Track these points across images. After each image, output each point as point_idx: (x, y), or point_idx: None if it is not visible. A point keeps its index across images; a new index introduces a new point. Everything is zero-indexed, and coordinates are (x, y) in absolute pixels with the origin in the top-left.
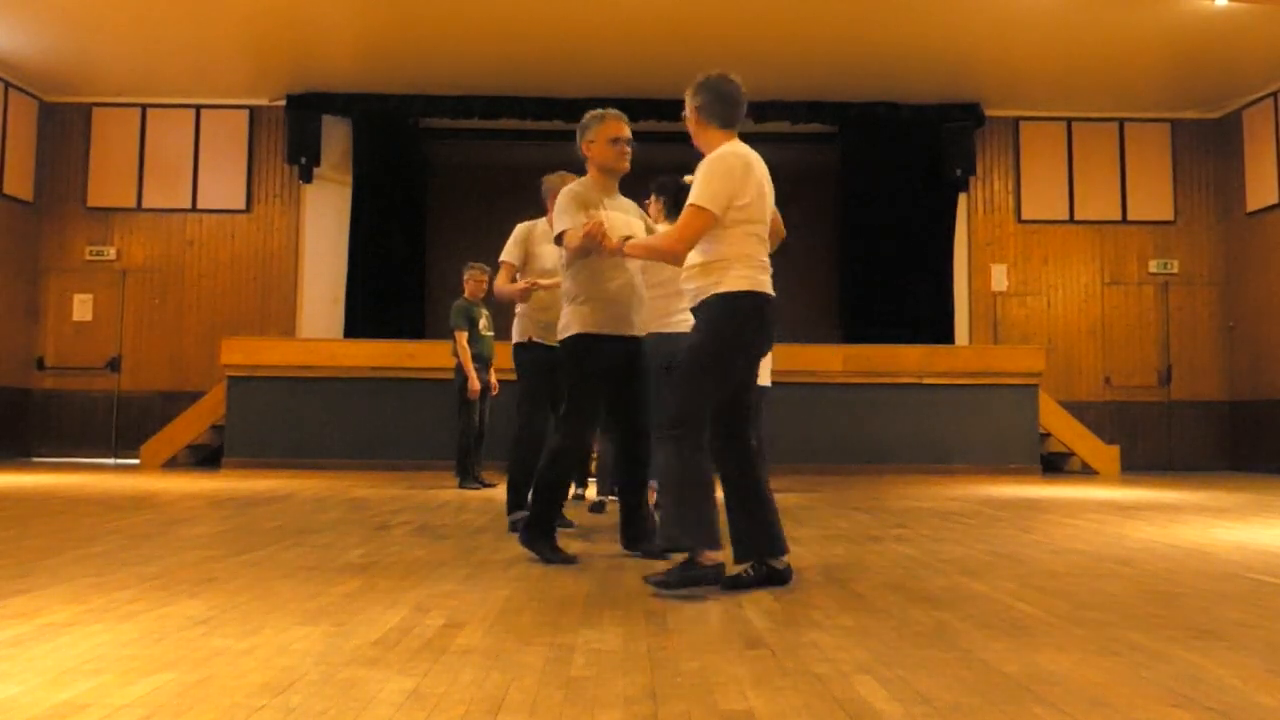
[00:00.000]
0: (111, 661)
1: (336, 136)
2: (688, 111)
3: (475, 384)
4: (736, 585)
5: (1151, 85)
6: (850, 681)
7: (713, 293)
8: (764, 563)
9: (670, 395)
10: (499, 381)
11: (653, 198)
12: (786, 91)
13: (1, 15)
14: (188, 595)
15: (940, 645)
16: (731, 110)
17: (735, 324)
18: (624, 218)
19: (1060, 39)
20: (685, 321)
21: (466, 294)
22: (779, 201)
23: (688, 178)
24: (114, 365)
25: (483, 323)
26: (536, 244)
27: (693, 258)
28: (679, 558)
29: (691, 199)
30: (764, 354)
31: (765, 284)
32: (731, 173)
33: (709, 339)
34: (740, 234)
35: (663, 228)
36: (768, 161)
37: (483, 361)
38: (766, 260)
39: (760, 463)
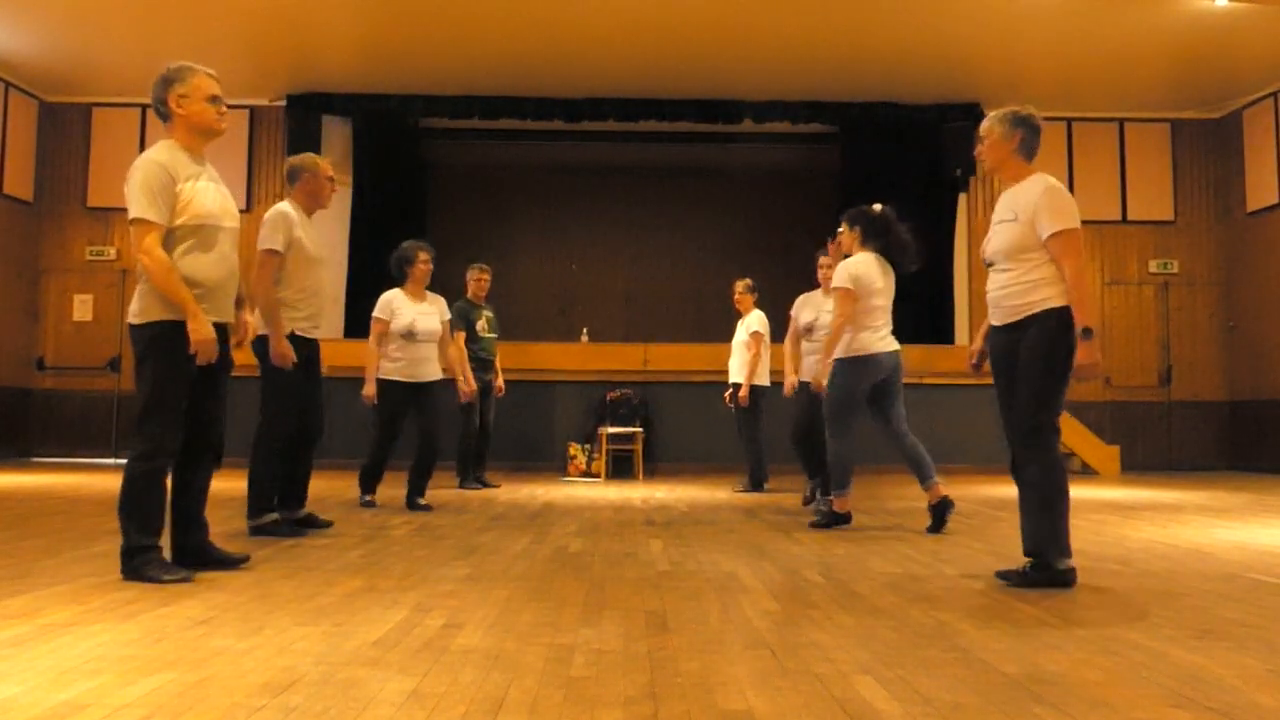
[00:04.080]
0: (111, 661)
1: (336, 136)
2: (997, 139)
3: (465, 387)
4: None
5: (1151, 85)
6: (850, 681)
7: (1048, 307)
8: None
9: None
10: (505, 382)
11: (845, 227)
12: (786, 91)
13: (1, 15)
14: (188, 595)
15: (940, 645)
16: (1038, 143)
17: (1070, 336)
18: (221, 189)
19: (1060, 39)
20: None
21: (469, 294)
22: (780, 200)
23: (877, 206)
24: (114, 365)
25: (481, 324)
26: (297, 228)
27: (1028, 273)
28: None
29: (1062, 226)
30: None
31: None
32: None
33: (1058, 348)
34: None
35: (860, 253)
36: (769, 161)
37: (481, 362)
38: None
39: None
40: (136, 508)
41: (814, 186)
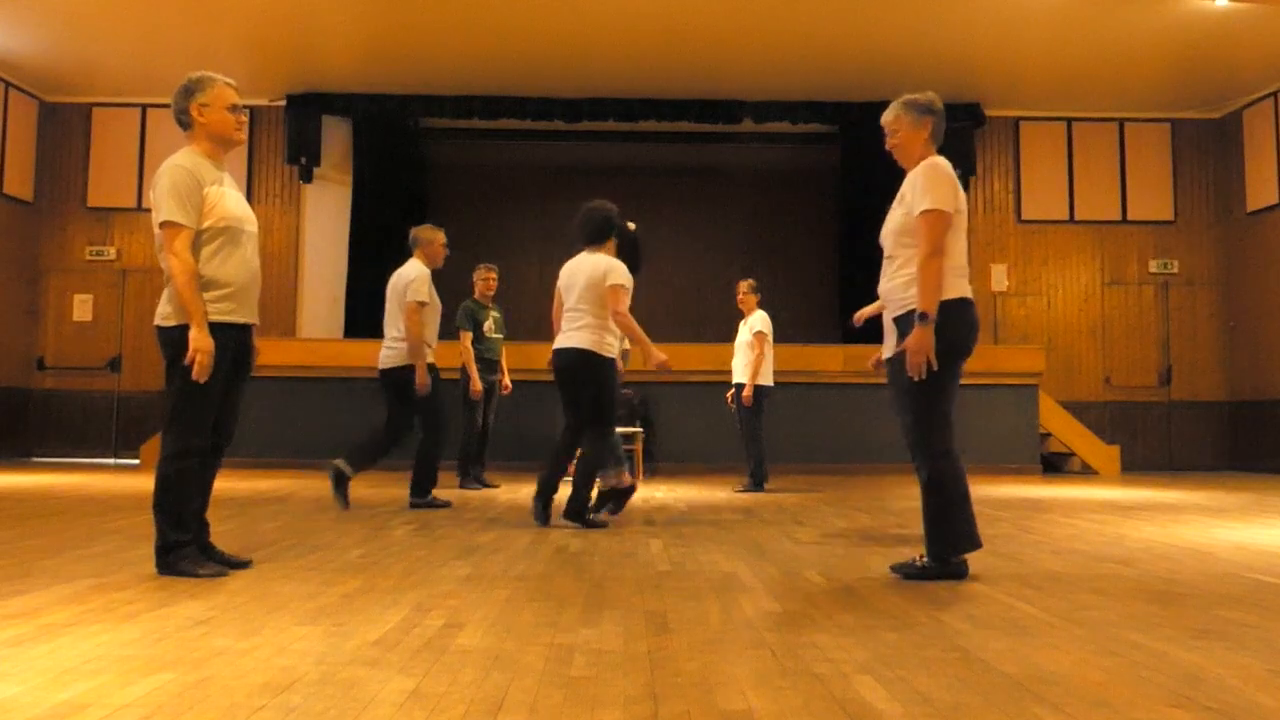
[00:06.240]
0: (111, 661)
1: (336, 136)
2: (905, 126)
3: (475, 385)
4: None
5: (1151, 85)
6: (850, 681)
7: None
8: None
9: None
10: (510, 381)
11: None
12: (786, 91)
13: (1, 15)
14: (188, 595)
15: (940, 645)
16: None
17: (948, 332)
18: (241, 197)
19: (1060, 39)
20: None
21: (476, 294)
22: (780, 200)
23: (631, 225)
24: (114, 365)
25: (489, 324)
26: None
27: (908, 269)
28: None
29: (928, 205)
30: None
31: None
32: (953, 178)
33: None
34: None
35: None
36: (769, 161)
37: (486, 363)
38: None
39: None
40: (169, 505)
41: (814, 186)
